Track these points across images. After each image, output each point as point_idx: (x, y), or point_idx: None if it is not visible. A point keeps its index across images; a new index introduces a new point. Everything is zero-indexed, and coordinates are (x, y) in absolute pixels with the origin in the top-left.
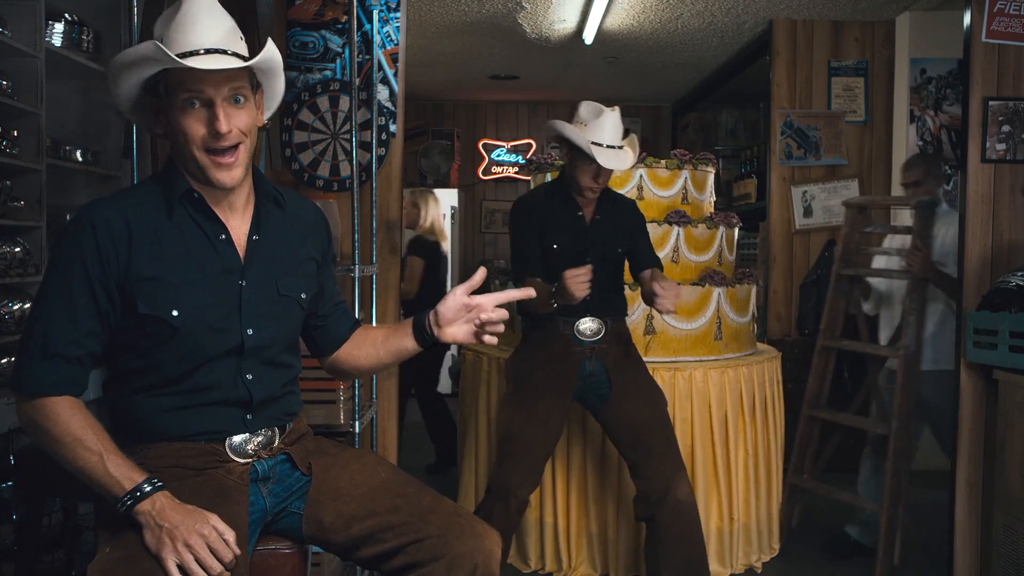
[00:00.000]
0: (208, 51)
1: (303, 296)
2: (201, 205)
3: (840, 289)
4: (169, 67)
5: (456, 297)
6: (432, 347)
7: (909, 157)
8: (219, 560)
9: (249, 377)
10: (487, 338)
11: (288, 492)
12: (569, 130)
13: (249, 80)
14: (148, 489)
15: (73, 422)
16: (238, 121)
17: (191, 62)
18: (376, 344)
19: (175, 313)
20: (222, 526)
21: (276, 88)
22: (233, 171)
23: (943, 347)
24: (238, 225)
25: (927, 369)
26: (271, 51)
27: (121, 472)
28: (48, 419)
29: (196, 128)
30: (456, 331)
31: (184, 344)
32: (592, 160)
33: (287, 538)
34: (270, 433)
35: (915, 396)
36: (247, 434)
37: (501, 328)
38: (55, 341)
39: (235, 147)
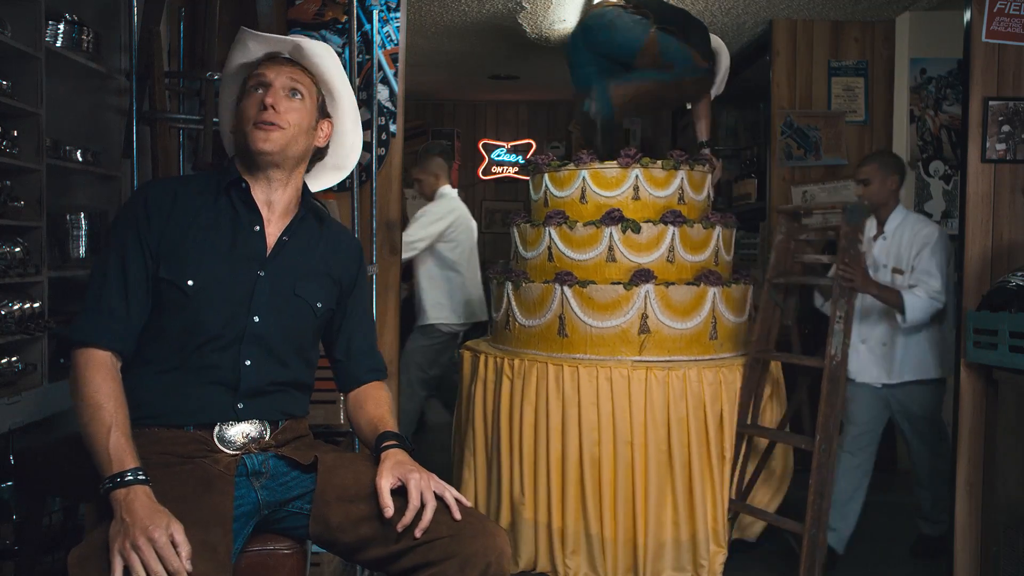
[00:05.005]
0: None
1: (319, 305)
2: (246, 195)
3: (773, 298)
4: (248, 60)
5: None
6: None
7: (868, 154)
8: (165, 568)
9: (247, 363)
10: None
11: (287, 489)
12: None
13: (318, 91)
14: (129, 479)
15: (102, 388)
16: (287, 110)
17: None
18: (356, 428)
19: (190, 282)
20: (180, 537)
21: (343, 122)
22: (270, 134)
23: (924, 356)
24: (274, 224)
25: (910, 380)
26: (310, 44)
27: (117, 453)
28: (82, 376)
29: (251, 108)
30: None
31: (192, 316)
32: None
33: (290, 537)
34: (260, 427)
35: (842, 408)
36: (235, 424)
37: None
38: (108, 295)
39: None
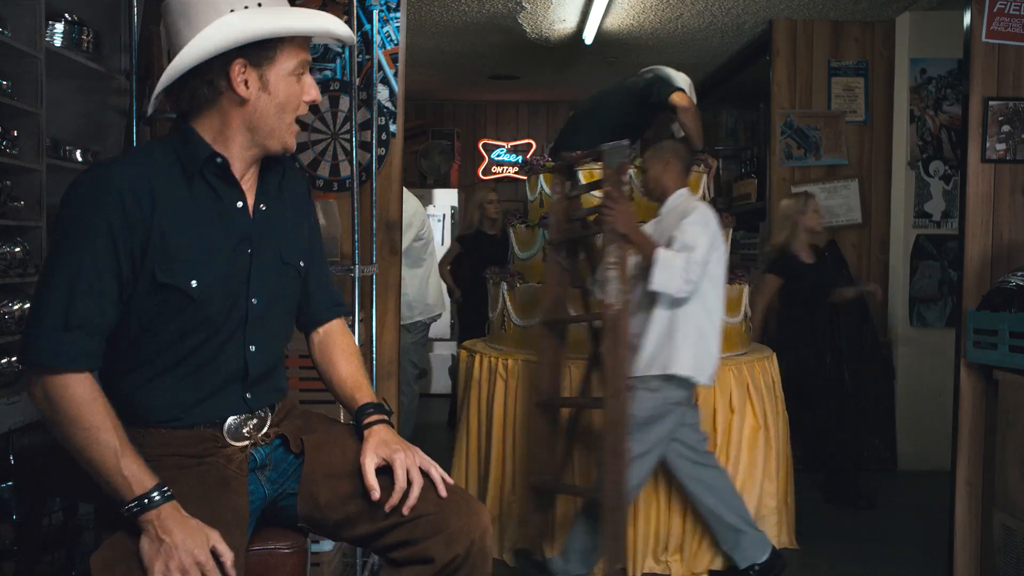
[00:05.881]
0: None
1: (301, 264)
2: (224, 172)
3: (553, 259)
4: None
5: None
6: None
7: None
8: None
9: (252, 349)
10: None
11: (284, 477)
12: None
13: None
14: (156, 498)
15: (94, 407)
16: None
17: None
18: (330, 383)
19: (194, 284)
20: (222, 547)
21: None
22: None
23: (656, 353)
24: (248, 193)
25: (638, 375)
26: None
27: (133, 473)
28: (67, 399)
29: (298, 97)
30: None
31: (196, 315)
32: None
33: (281, 522)
34: (263, 414)
35: (625, 364)
36: (242, 415)
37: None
38: (78, 310)
39: None
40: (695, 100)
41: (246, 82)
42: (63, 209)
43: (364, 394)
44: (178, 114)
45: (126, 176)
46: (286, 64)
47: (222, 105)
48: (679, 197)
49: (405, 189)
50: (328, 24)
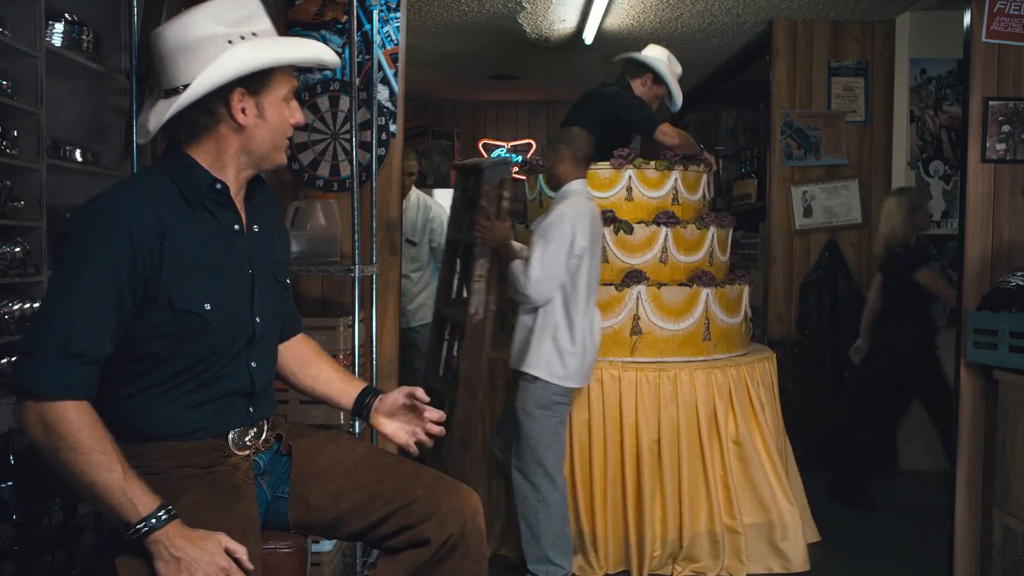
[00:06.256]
0: None
1: (287, 281)
2: (224, 197)
3: (447, 255)
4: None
5: (398, 397)
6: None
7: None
8: None
9: (253, 365)
10: (413, 446)
11: (280, 480)
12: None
13: None
14: (164, 517)
15: (94, 433)
16: None
17: None
18: (315, 380)
19: (207, 307)
20: (233, 545)
21: None
22: None
23: (522, 344)
24: (240, 214)
25: (517, 368)
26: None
27: (138, 496)
28: (67, 426)
29: (289, 120)
30: (391, 426)
31: (210, 337)
32: None
33: (274, 526)
34: (262, 423)
35: (482, 369)
36: (244, 426)
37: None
38: (78, 340)
39: None
40: (678, 70)
41: (244, 110)
42: (67, 240)
43: (358, 381)
44: (170, 141)
45: (135, 210)
46: (279, 91)
47: (219, 132)
48: (567, 189)
49: (423, 193)
50: (319, 53)
